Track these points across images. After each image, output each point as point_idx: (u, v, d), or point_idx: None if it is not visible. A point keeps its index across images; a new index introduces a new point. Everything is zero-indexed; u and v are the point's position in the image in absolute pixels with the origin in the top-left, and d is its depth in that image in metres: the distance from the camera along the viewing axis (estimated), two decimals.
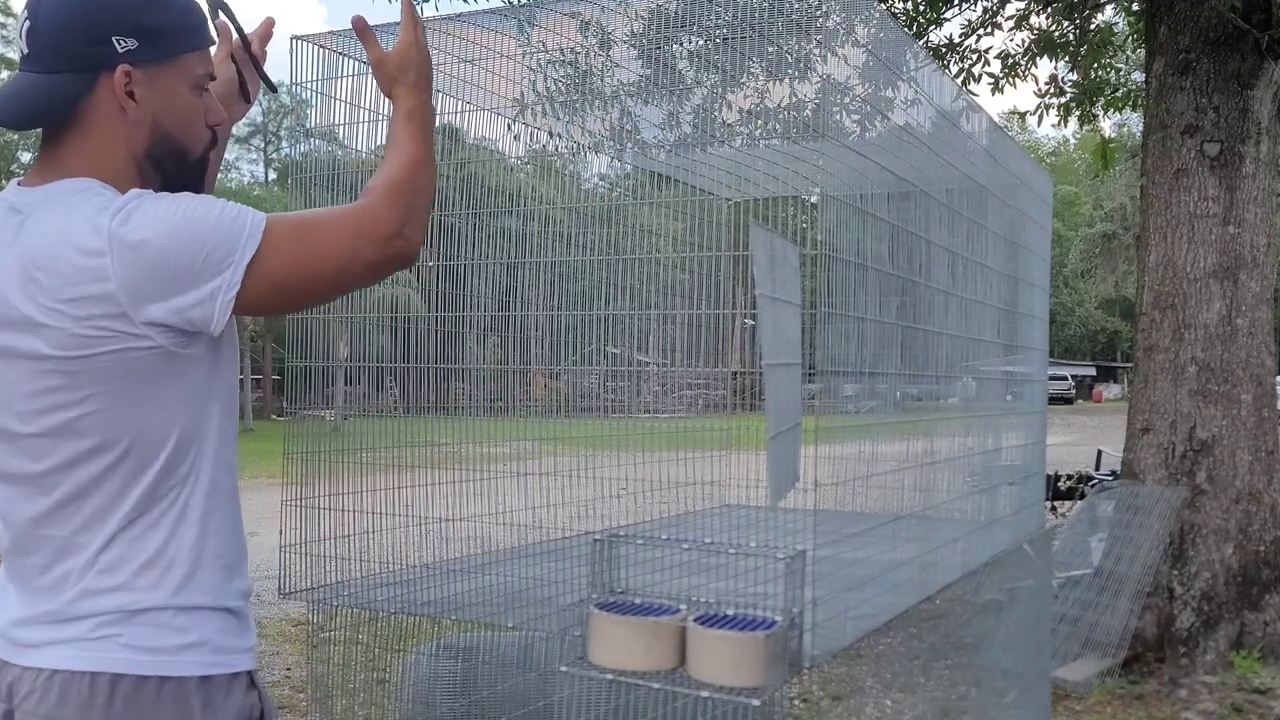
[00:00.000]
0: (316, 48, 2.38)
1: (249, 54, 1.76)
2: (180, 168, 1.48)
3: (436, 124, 2.52)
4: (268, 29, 1.84)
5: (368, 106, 2.48)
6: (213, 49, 1.53)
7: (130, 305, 1.30)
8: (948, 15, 7.88)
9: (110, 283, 1.29)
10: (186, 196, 1.37)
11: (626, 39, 2.49)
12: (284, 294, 1.40)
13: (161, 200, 1.35)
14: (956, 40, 7.98)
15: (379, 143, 2.55)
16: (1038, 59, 7.75)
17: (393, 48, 1.62)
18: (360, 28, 1.68)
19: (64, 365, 1.32)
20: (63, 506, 1.37)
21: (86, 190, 1.37)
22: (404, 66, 1.59)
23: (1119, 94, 8.08)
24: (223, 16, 1.73)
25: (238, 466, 1.49)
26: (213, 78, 1.52)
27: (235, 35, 1.75)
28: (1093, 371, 53.62)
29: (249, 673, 1.44)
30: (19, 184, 1.43)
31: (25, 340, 1.33)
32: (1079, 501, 7.78)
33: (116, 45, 1.38)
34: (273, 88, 1.82)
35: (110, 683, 1.33)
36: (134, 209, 1.32)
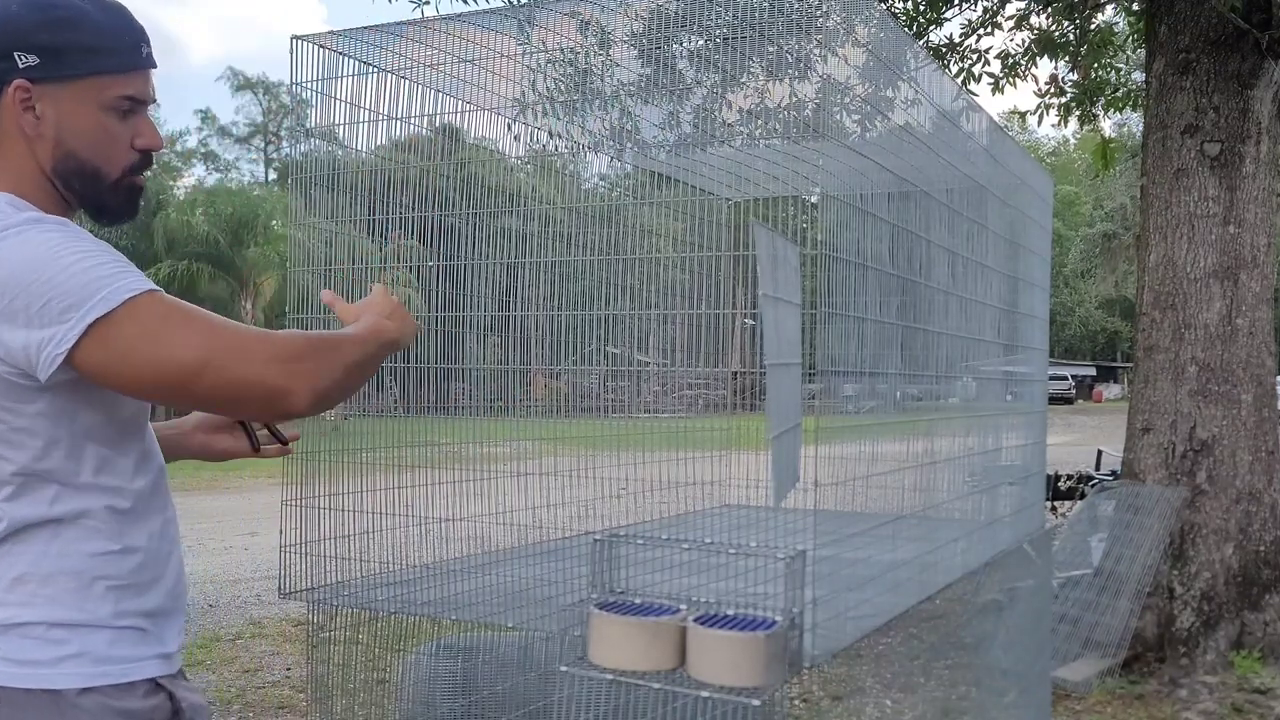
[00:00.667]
0: (316, 47, 2.38)
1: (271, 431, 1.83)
2: (92, 188, 1.47)
3: (437, 123, 2.52)
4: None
5: (367, 106, 2.48)
6: (139, 75, 1.50)
7: None
8: (948, 15, 7.88)
9: None
10: (75, 239, 1.33)
11: (626, 39, 2.49)
12: (127, 371, 1.31)
13: (45, 234, 1.33)
14: (957, 40, 7.98)
15: (379, 143, 2.55)
16: (1038, 59, 7.75)
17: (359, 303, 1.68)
18: (328, 301, 1.74)
19: None
20: None
21: None
22: (365, 306, 1.65)
23: (1119, 94, 8.08)
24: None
25: (154, 487, 1.48)
26: (140, 101, 1.49)
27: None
28: (1093, 371, 53.62)
29: (153, 680, 1.42)
30: None
31: None
32: (1079, 501, 7.78)
33: (16, 60, 1.40)
34: (284, 441, 1.88)
35: None
36: (13, 233, 1.31)
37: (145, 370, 1.31)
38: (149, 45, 1.50)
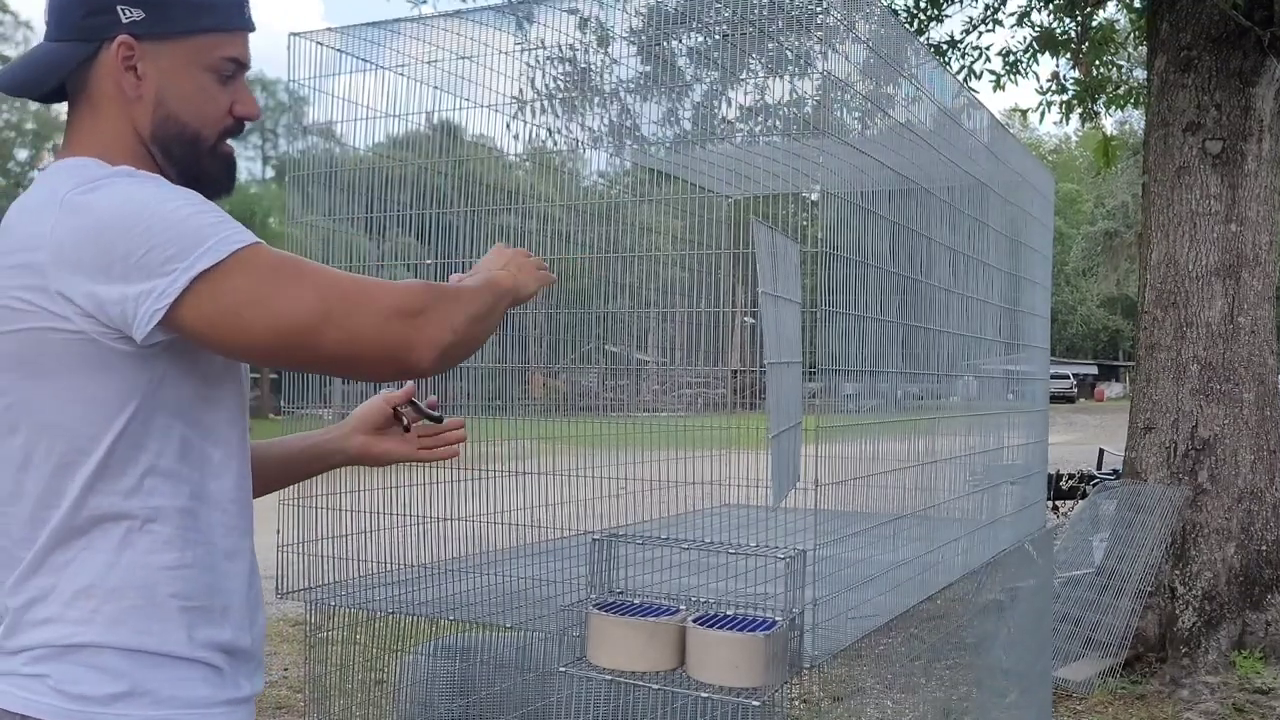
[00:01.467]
0: (314, 44, 2.37)
1: (418, 409, 1.69)
2: (191, 154, 1.34)
3: (435, 120, 2.50)
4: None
5: (365, 103, 2.47)
6: (241, 36, 1.37)
7: (52, 273, 1.16)
8: (949, 12, 7.87)
9: (42, 250, 1.17)
10: (173, 189, 1.22)
11: (626, 35, 2.48)
12: (240, 326, 1.18)
13: (140, 183, 1.21)
14: (958, 37, 7.97)
15: (377, 140, 2.54)
16: (1039, 56, 7.74)
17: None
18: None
19: (5, 343, 1.20)
20: (9, 512, 1.24)
21: (79, 167, 1.25)
22: (477, 267, 1.52)
23: (1121, 91, 8.07)
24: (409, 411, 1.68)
25: (237, 499, 1.31)
26: (242, 64, 1.37)
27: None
28: (1094, 370, 53.62)
29: None
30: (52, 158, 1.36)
31: None
32: (1081, 501, 7.76)
33: (120, 14, 1.27)
34: (437, 420, 1.71)
35: None
36: (106, 183, 1.20)
37: (258, 326, 1.18)
38: (249, 5, 1.38)
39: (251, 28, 1.40)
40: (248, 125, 1.41)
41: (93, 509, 1.21)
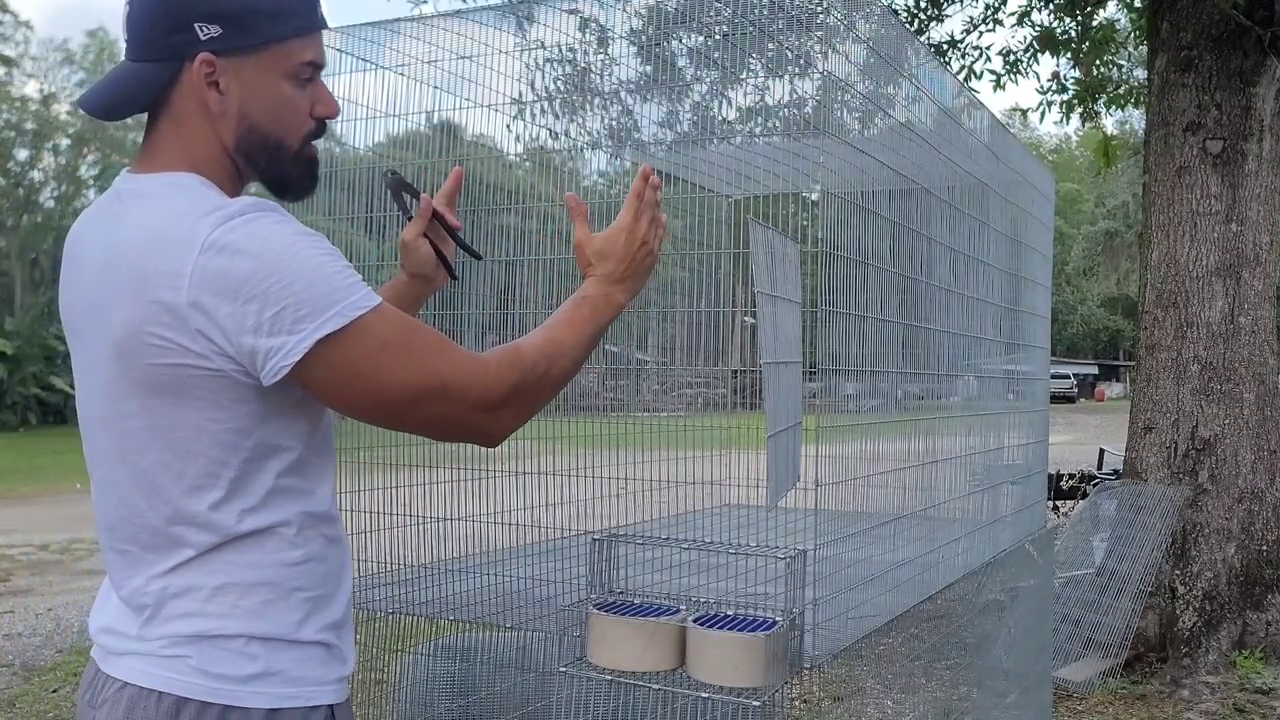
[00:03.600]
0: None
1: (447, 231, 1.70)
2: (275, 161, 1.37)
3: (436, 120, 2.49)
4: (454, 187, 1.76)
5: (366, 103, 2.47)
6: (317, 38, 1.38)
7: (193, 316, 1.21)
8: (949, 11, 7.87)
9: (182, 291, 1.20)
10: (307, 236, 1.25)
11: (626, 36, 2.48)
12: (349, 393, 1.27)
13: (273, 224, 1.24)
14: (958, 37, 7.97)
15: (377, 140, 2.54)
16: (1040, 56, 7.74)
17: (607, 229, 1.51)
18: (573, 206, 1.54)
19: (123, 369, 1.26)
20: (161, 526, 1.31)
21: (187, 189, 1.29)
22: (603, 254, 1.50)
23: (1121, 91, 8.07)
24: (409, 199, 1.69)
25: (333, 492, 1.42)
26: (319, 65, 1.38)
27: (428, 217, 1.70)
28: (1095, 370, 53.64)
29: (330, 706, 1.36)
30: (127, 170, 1.38)
31: (100, 331, 1.28)
32: (1081, 501, 7.77)
33: (199, 32, 1.29)
34: (476, 255, 1.76)
35: (175, 704, 1.28)
36: (241, 223, 1.22)
37: (362, 397, 1.28)
38: (320, 3, 1.39)
39: (325, 25, 1.40)
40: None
41: (222, 523, 1.29)
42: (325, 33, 1.43)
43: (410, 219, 1.70)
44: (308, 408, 1.32)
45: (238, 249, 1.20)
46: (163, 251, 1.22)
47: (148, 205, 1.28)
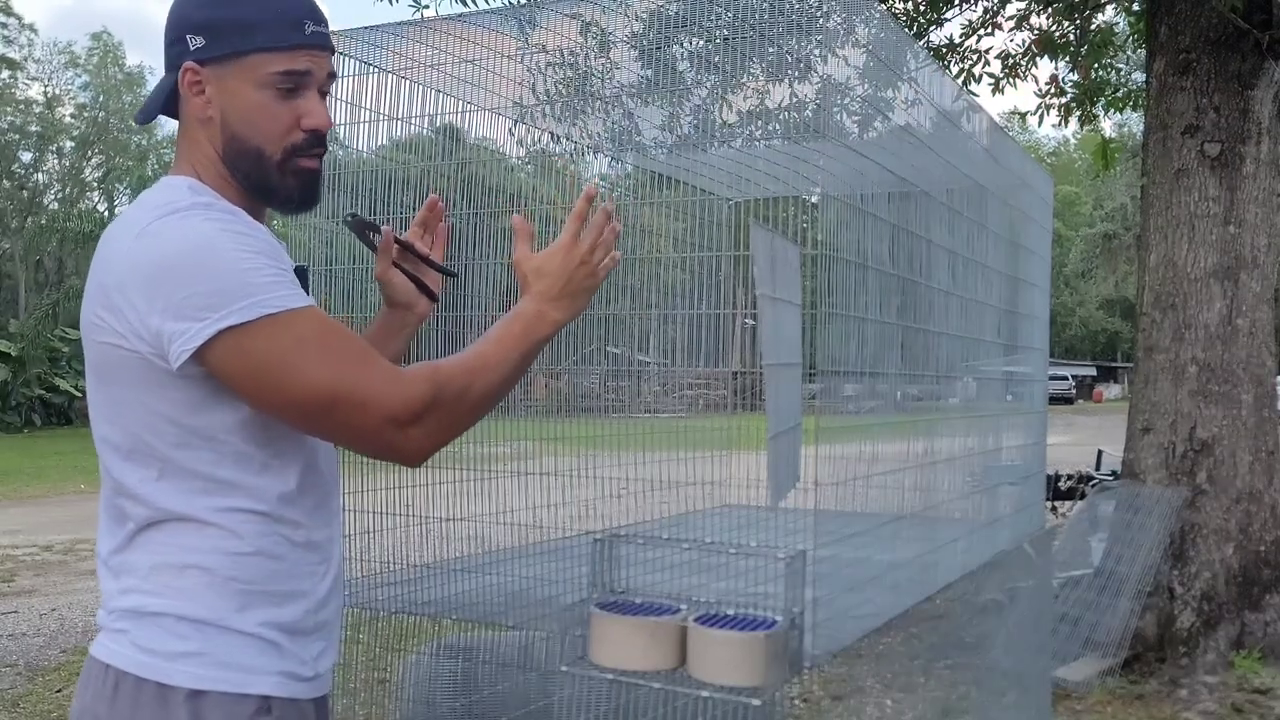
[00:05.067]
0: None
1: (417, 256, 1.71)
2: (257, 171, 1.42)
3: (439, 123, 2.50)
4: (428, 214, 1.77)
5: (368, 106, 2.48)
6: (302, 53, 1.42)
7: (116, 295, 1.30)
8: (948, 15, 7.88)
9: (113, 274, 1.30)
10: (240, 235, 1.31)
11: (627, 40, 2.50)
12: (256, 388, 1.29)
13: (209, 221, 1.31)
14: (957, 40, 7.98)
15: (380, 143, 2.56)
16: (1038, 59, 7.75)
17: (547, 248, 1.51)
18: (518, 227, 1.53)
19: (86, 348, 1.37)
20: (110, 496, 1.40)
21: (168, 188, 1.39)
22: (540, 272, 1.49)
23: (1119, 94, 8.08)
24: (372, 236, 1.71)
25: (302, 497, 1.40)
26: (299, 75, 1.41)
27: (390, 250, 1.70)
28: (1093, 371, 53.62)
29: (266, 697, 1.35)
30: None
31: (85, 326, 1.38)
32: (1079, 501, 7.78)
33: (189, 43, 1.40)
34: (450, 274, 1.77)
35: (116, 677, 1.34)
36: (178, 218, 1.30)
37: (270, 394, 1.30)
38: (318, 23, 1.44)
39: (319, 43, 1.44)
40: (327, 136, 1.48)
41: (161, 506, 1.35)
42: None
43: (375, 250, 1.72)
44: (231, 401, 1.33)
45: (162, 238, 1.28)
46: (114, 242, 1.34)
47: (136, 202, 1.39)
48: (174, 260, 1.27)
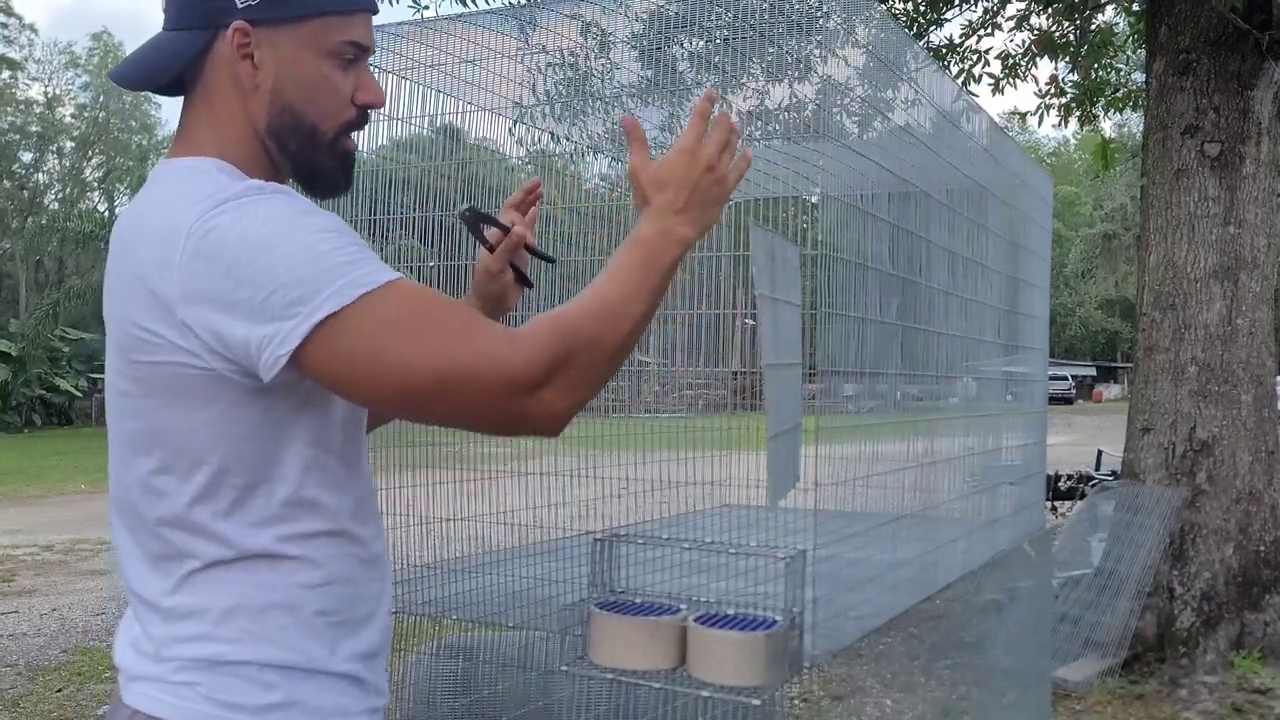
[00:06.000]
0: None
1: (528, 249, 1.60)
2: (308, 148, 1.26)
3: (438, 123, 2.49)
4: (532, 201, 1.62)
5: None
6: (363, 18, 1.27)
7: (180, 306, 1.11)
8: (948, 16, 7.89)
9: (169, 284, 1.11)
10: (306, 214, 1.14)
11: (627, 40, 2.50)
12: (352, 382, 1.12)
13: (272, 205, 1.13)
14: (957, 41, 7.99)
15: (380, 143, 2.56)
16: (1038, 59, 7.75)
17: (667, 154, 1.30)
18: (629, 128, 1.33)
19: (123, 366, 1.18)
20: (157, 525, 1.21)
21: (201, 173, 1.19)
22: (660, 183, 1.27)
23: (1119, 94, 8.08)
24: (485, 228, 1.58)
25: (366, 509, 1.29)
26: (364, 48, 1.27)
27: (516, 248, 1.58)
28: (1093, 372, 53.66)
29: None
30: (165, 155, 1.29)
31: (111, 323, 1.20)
32: (1079, 501, 7.78)
33: None
34: (550, 260, 1.66)
35: None
36: (234, 206, 1.11)
37: (370, 385, 1.12)
38: None
39: (375, 8, 1.30)
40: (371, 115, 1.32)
41: (227, 536, 1.18)
42: None
43: (491, 250, 1.58)
44: (317, 409, 1.21)
45: (225, 233, 1.10)
46: (155, 240, 1.13)
47: (159, 191, 1.20)
48: (244, 257, 1.09)
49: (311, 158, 1.27)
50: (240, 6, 1.20)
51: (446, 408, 1.14)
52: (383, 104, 1.31)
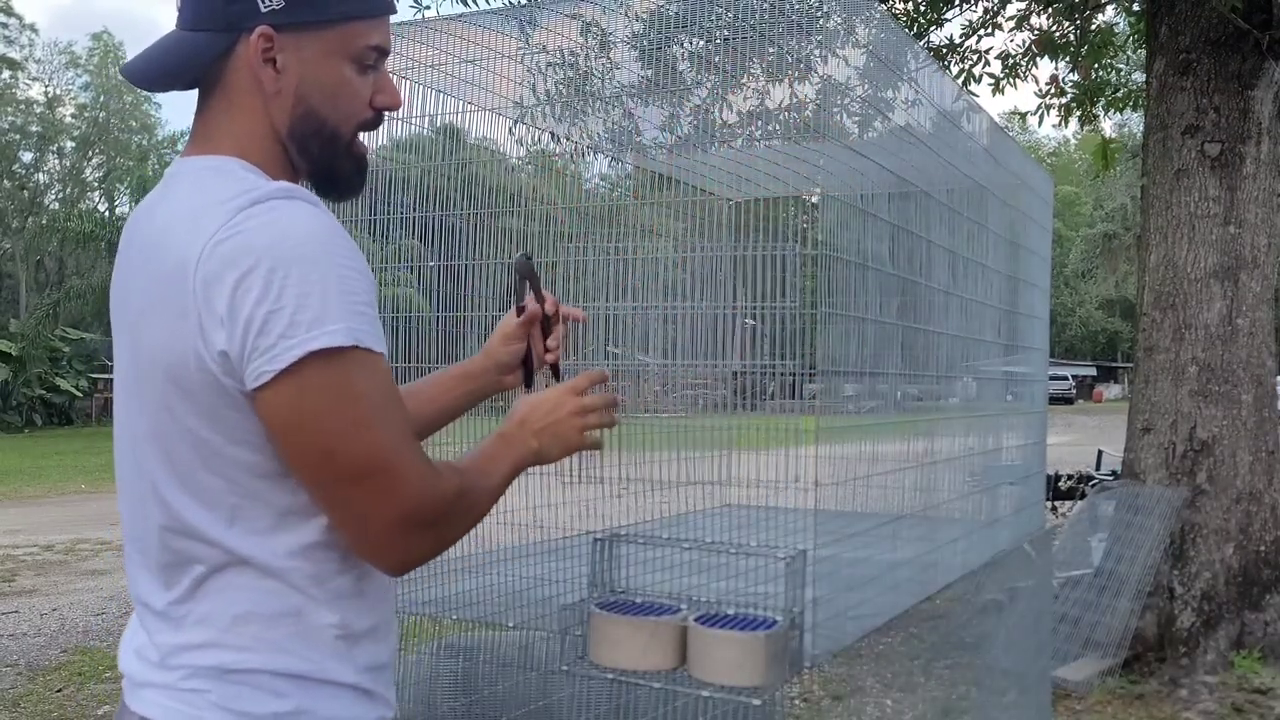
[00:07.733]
0: None
1: (545, 342, 1.61)
2: (328, 152, 1.26)
3: (438, 123, 2.49)
4: (572, 318, 1.66)
5: None
6: (385, 21, 1.28)
7: (191, 307, 1.10)
8: (948, 16, 7.89)
9: (188, 282, 1.10)
10: (333, 231, 1.13)
11: (627, 40, 2.50)
12: (302, 428, 1.11)
13: (299, 211, 1.12)
14: (957, 41, 7.99)
15: (380, 143, 2.56)
16: (1038, 59, 7.76)
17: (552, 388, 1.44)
18: (595, 379, 1.48)
19: (144, 367, 1.17)
20: (162, 532, 1.19)
21: (224, 173, 1.18)
22: (533, 404, 1.42)
23: (1120, 94, 8.09)
24: (529, 290, 1.57)
25: None
26: (385, 52, 1.28)
27: (535, 322, 1.59)
28: (1093, 371, 53.66)
29: None
30: (181, 153, 1.28)
31: (133, 329, 1.19)
32: (1079, 501, 7.78)
33: (260, 3, 1.18)
34: (556, 378, 1.62)
35: None
36: (263, 209, 1.11)
37: (311, 438, 1.11)
38: None
39: (395, 10, 1.30)
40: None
41: (232, 543, 1.17)
42: None
43: (520, 309, 1.60)
44: None
45: (250, 235, 1.09)
46: (181, 239, 1.12)
47: (181, 191, 1.19)
48: (268, 263, 1.08)
49: (331, 161, 1.27)
50: (264, 11, 1.19)
51: (361, 496, 1.13)
52: (400, 105, 1.32)
